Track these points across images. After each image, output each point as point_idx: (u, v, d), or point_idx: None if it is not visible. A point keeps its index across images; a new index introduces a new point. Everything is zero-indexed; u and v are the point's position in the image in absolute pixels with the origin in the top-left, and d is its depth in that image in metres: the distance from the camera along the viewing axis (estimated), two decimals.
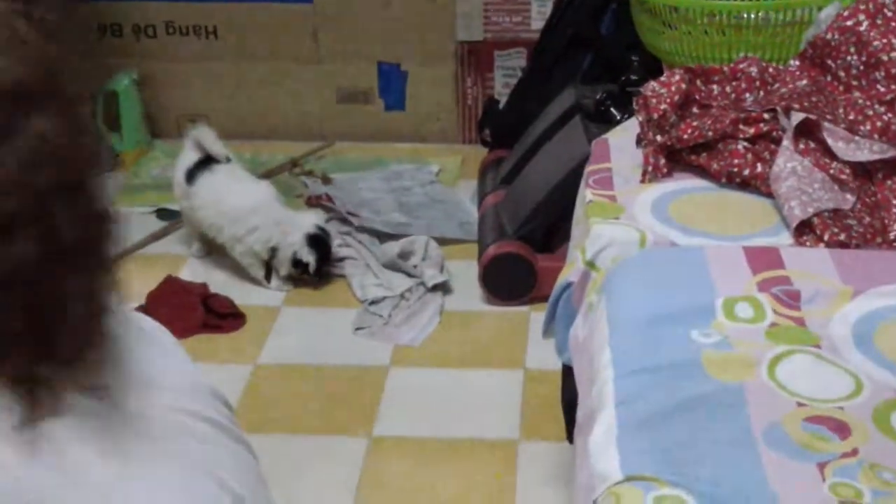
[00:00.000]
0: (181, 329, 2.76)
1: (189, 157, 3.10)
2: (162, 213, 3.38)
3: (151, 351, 0.99)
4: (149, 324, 1.04)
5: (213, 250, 3.17)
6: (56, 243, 0.82)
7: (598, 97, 2.95)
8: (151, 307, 2.83)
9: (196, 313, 2.83)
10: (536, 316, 2.86)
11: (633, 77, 2.91)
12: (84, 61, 0.90)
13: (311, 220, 3.07)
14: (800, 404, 1.44)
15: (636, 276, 1.73)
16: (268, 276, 3.05)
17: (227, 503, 0.93)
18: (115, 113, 3.66)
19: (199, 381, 1.02)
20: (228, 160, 3.10)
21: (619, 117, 2.83)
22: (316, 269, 2.99)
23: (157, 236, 3.30)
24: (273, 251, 2.99)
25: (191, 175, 3.06)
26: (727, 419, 1.41)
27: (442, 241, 3.18)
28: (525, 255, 2.92)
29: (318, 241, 3.00)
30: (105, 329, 0.87)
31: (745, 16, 2.63)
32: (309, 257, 2.98)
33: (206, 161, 3.07)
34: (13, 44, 0.83)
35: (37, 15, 0.86)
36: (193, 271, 3.10)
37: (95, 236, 0.86)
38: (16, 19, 0.85)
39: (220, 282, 3.00)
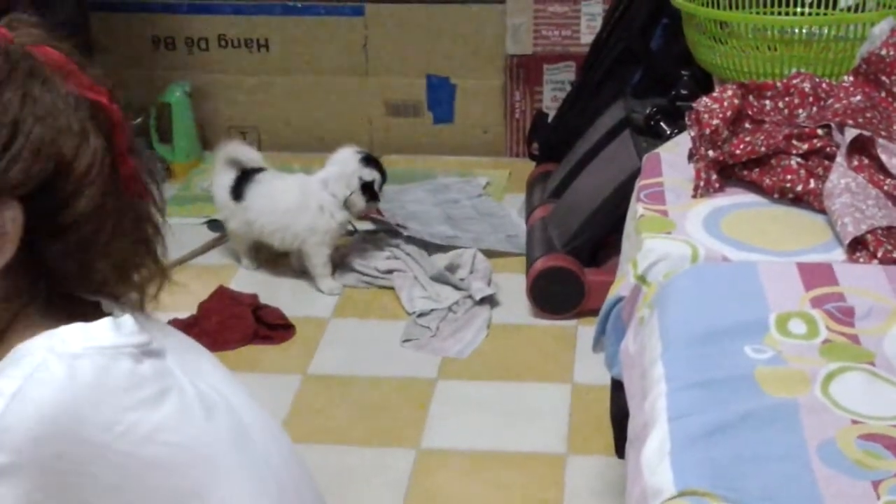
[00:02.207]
0: (232, 339, 2.80)
1: (226, 176, 3.12)
2: (213, 224, 3.41)
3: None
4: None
5: (264, 262, 3.21)
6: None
7: (647, 111, 2.94)
8: (203, 317, 2.86)
9: (247, 324, 2.85)
10: (584, 330, 2.86)
11: (684, 91, 2.91)
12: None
13: (349, 150, 3.12)
14: (854, 421, 1.43)
15: (688, 291, 1.72)
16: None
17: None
18: (167, 125, 3.71)
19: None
20: (264, 168, 3.16)
21: (668, 132, 2.83)
22: (380, 188, 3.10)
23: (208, 247, 3.33)
24: (346, 202, 3.05)
25: (236, 192, 3.09)
26: (781, 435, 1.40)
27: (489, 254, 3.19)
28: (573, 268, 2.92)
29: (371, 160, 3.10)
30: None
31: (794, 31, 2.63)
32: (372, 175, 3.06)
33: (246, 174, 3.10)
34: None
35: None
36: (244, 282, 3.13)
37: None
38: None
39: (270, 293, 3.03)
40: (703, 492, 1.31)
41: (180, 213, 3.51)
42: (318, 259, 3.08)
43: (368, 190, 3.07)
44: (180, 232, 3.40)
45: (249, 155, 3.16)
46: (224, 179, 3.13)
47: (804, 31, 2.63)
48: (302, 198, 3.06)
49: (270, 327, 2.89)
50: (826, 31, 2.58)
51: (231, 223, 3.15)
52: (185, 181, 3.71)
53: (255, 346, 2.85)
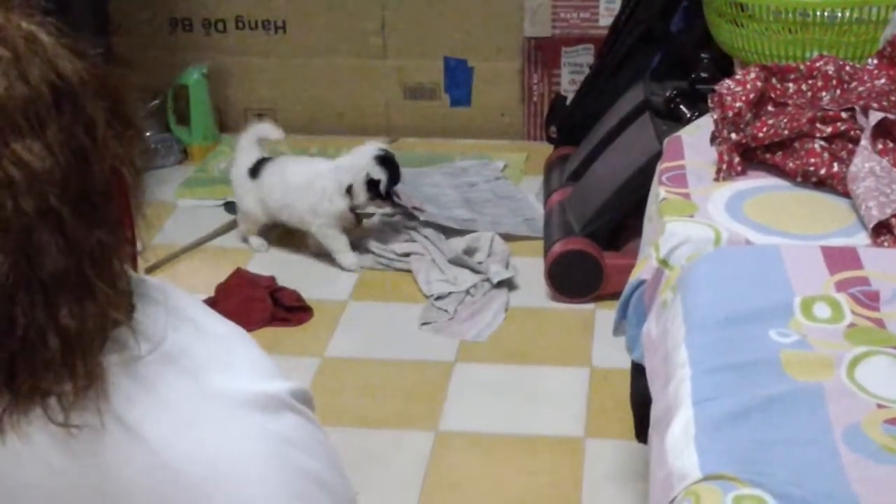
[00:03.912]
0: (249, 322, 2.79)
1: (248, 156, 3.16)
2: (230, 207, 3.41)
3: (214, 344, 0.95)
4: (223, 327, 0.98)
5: (281, 242, 3.21)
6: (34, 272, 0.79)
7: (667, 94, 2.92)
8: (220, 299, 2.86)
9: (264, 306, 2.85)
10: (602, 313, 2.85)
11: (704, 74, 2.90)
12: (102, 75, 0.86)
13: (373, 146, 3.13)
14: (880, 406, 1.43)
15: (712, 274, 1.72)
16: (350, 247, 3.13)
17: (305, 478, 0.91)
18: (185, 107, 3.71)
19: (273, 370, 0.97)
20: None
21: (688, 115, 2.81)
22: (387, 190, 3.07)
23: (225, 229, 3.33)
24: (349, 190, 3.05)
25: (254, 171, 3.13)
26: (806, 419, 1.40)
27: (507, 238, 3.18)
28: (592, 252, 2.91)
29: (386, 161, 3.08)
30: (90, 361, 0.83)
31: (813, 14, 2.61)
32: (381, 175, 3.05)
33: (267, 158, 3.16)
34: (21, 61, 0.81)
35: (58, 28, 0.84)
36: (261, 264, 3.12)
37: (81, 268, 0.82)
38: (38, 33, 0.83)
39: (287, 275, 3.02)
40: (728, 476, 1.30)
41: (197, 195, 3.51)
42: (328, 240, 3.10)
43: (373, 187, 3.07)
44: (197, 214, 3.41)
45: (272, 132, 3.19)
46: (245, 159, 3.16)
47: (825, 13, 2.61)
48: (309, 179, 3.08)
49: (288, 310, 2.88)
50: (847, 13, 2.57)
51: (245, 201, 3.17)
52: (202, 163, 3.71)
53: (273, 329, 2.84)
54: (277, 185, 3.10)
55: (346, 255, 3.10)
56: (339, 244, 3.10)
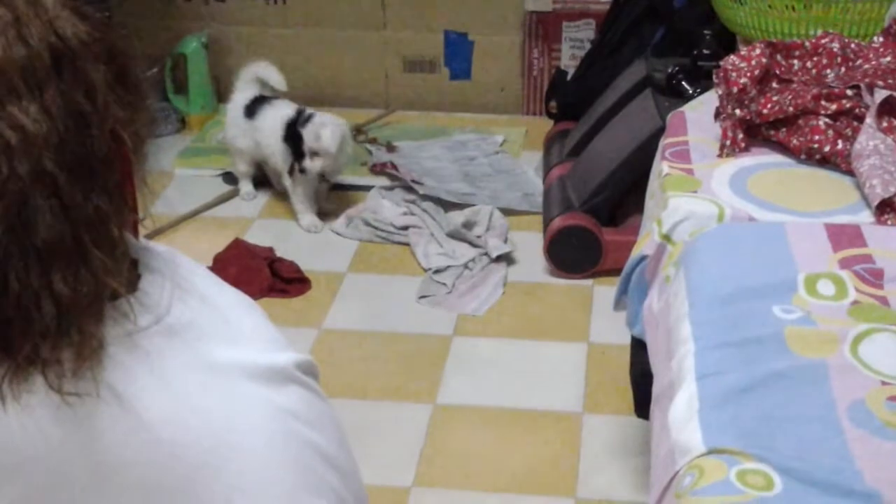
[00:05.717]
0: (247, 292, 2.76)
1: (245, 94, 3.23)
2: (228, 177, 3.40)
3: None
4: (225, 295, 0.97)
5: (275, 211, 3.22)
6: (28, 237, 0.78)
7: (669, 70, 2.91)
8: (218, 269, 2.84)
9: (262, 276, 2.85)
10: (600, 289, 2.85)
11: (706, 51, 2.88)
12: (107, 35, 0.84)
13: (325, 118, 3.10)
14: (884, 383, 1.43)
15: (716, 250, 1.71)
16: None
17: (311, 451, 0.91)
18: (183, 76, 3.69)
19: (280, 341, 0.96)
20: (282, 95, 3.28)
21: (690, 91, 2.81)
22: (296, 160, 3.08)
23: (222, 199, 3.32)
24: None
25: (250, 110, 3.18)
26: (810, 395, 1.40)
27: (506, 212, 3.18)
28: (591, 228, 2.90)
29: (295, 134, 3.07)
30: (87, 330, 0.82)
31: None
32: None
33: (263, 97, 3.21)
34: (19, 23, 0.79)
35: None
36: (259, 235, 3.12)
37: (77, 234, 0.80)
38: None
39: (285, 246, 3.02)
40: (732, 450, 1.30)
41: (195, 165, 3.49)
42: (294, 196, 3.14)
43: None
44: (195, 184, 3.40)
45: (272, 76, 3.23)
46: (241, 97, 3.21)
47: None
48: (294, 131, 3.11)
49: (286, 281, 2.88)
50: None
51: (239, 142, 3.21)
52: (199, 133, 3.69)
53: (271, 299, 2.84)
54: (269, 130, 3.14)
55: (306, 216, 3.15)
56: (302, 205, 3.14)
